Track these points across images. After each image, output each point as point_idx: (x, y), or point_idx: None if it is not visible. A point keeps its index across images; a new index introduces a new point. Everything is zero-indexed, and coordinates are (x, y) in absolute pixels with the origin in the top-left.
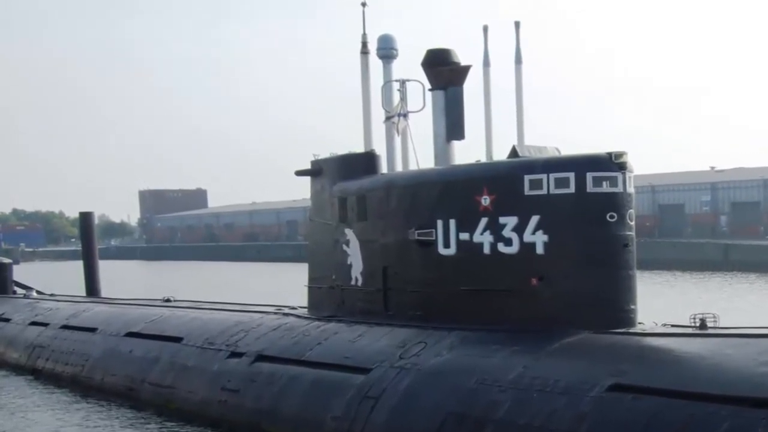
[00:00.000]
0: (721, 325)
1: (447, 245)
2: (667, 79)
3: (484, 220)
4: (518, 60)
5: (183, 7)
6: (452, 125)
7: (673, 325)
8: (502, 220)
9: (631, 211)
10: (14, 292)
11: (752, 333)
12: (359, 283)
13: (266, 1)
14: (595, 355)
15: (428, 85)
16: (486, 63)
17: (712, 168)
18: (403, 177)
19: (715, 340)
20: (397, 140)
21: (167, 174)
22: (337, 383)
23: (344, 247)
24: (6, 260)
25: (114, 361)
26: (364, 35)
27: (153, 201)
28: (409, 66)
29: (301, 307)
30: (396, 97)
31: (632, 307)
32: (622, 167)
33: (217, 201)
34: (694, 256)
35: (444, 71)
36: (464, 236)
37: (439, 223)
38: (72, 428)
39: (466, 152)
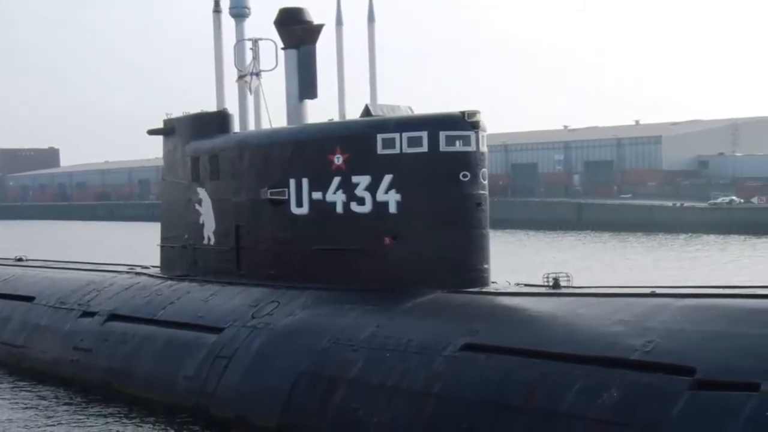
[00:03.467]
0: (574, 285)
1: (300, 204)
2: (522, 38)
3: (336, 180)
4: (371, 18)
5: None
6: (305, 84)
7: (526, 285)
8: (354, 179)
9: (484, 170)
10: None
11: (605, 292)
12: (212, 242)
13: None
14: (448, 315)
15: (281, 44)
16: (339, 22)
17: (565, 127)
18: (255, 136)
19: (568, 300)
20: (250, 99)
21: (19, 133)
22: (189, 343)
23: (197, 206)
24: None
25: None
26: None
27: (4, 160)
28: (262, 25)
29: (153, 267)
30: (249, 56)
31: (485, 266)
32: (475, 126)
33: (69, 160)
34: (547, 216)
35: (296, 30)
36: (317, 195)
37: (292, 182)
38: None
39: (320, 111)
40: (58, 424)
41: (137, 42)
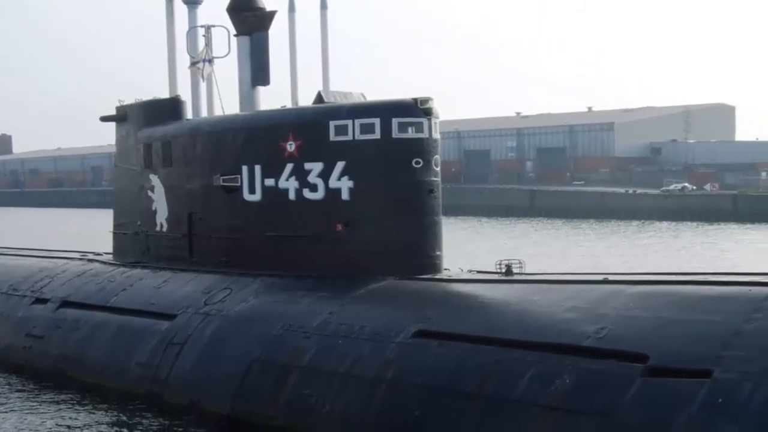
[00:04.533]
0: (527, 272)
1: (252, 191)
2: (476, 25)
3: (289, 166)
4: (324, 5)
5: None
6: (257, 71)
7: (479, 272)
8: (307, 165)
9: (437, 156)
10: None
11: (558, 279)
12: (164, 229)
13: None
14: (401, 302)
15: (234, 31)
16: (291, 8)
17: (518, 114)
18: (208, 123)
19: (520, 287)
20: (203, 86)
21: None
22: (142, 329)
23: (149, 193)
24: None
25: None
26: None
27: None
28: (215, 12)
29: (106, 254)
30: (201, 42)
31: (438, 253)
32: (427, 113)
33: (22, 147)
34: (500, 202)
35: (249, 17)
36: (269, 182)
37: (245, 169)
38: None
39: (272, 98)
40: (10, 411)
41: (90, 28)
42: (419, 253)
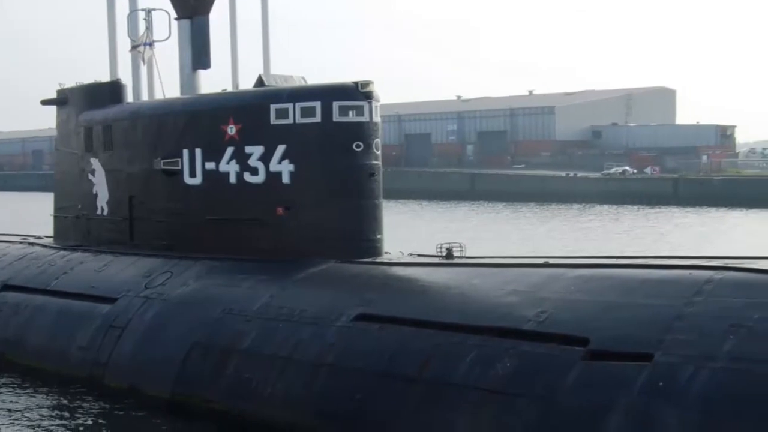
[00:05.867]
0: (467, 255)
1: (193, 175)
2: (416, 9)
3: (230, 150)
4: None
5: None
6: (198, 54)
7: (419, 255)
8: (248, 149)
9: (378, 140)
10: None
11: (499, 263)
12: (105, 212)
13: None
14: (341, 285)
15: (174, 15)
16: None
17: (459, 97)
18: (149, 106)
19: (461, 270)
20: (144, 70)
21: None
22: (83, 313)
23: (90, 176)
24: None
25: None
26: None
27: None
28: None
29: (47, 237)
30: (142, 26)
31: (378, 236)
32: (368, 96)
33: None
34: (440, 186)
35: (190, 0)
36: (210, 166)
37: (185, 152)
38: None
39: (213, 82)
40: None
41: (29, 11)
42: (360, 237)
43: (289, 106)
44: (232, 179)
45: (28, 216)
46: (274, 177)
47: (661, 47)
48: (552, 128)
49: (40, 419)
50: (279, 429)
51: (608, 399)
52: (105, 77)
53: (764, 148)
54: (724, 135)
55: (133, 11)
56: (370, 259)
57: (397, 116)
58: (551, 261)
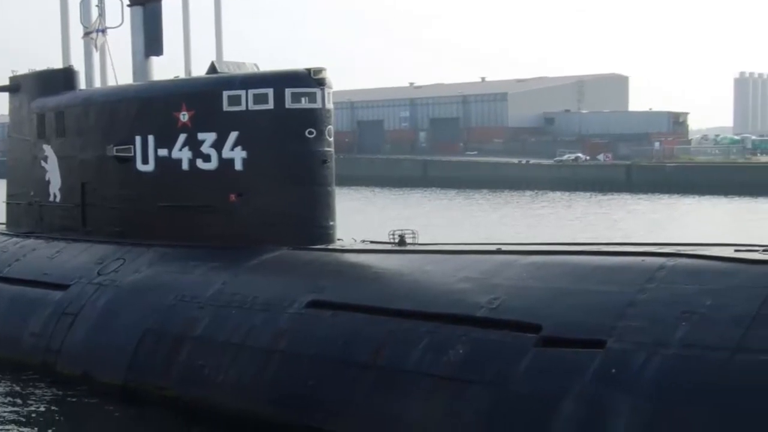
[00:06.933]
0: (420, 242)
1: (146, 161)
2: None
3: (182, 137)
4: None
5: None
6: (150, 41)
7: (372, 242)
8: (200, 136)
9: (330, 127)
10: None
11: (451, 249)
12: (58, 199)
13: None
14: (294, 272)
15: (127, 1)
16: None
17: (411, 84)
18: (101, 93)
19: (414, 257)
20: (96, 56)
21: None
22: (35, 300)
23: (43, 163)
24: None
25: None
26: None
27: None
28: None
29: None
30: (94, 12)
31: (331, 223)
32: (321, 83)
33: None
34: (393, 173)
35: None
36: (163, 152)
37: (138, 139)
38: None
39: (166, 69)
40: None
41: None
42: (312, 224)
43: (242, 93)
44: (185, 166)
45: None
46: (226, 164)
47: (614, 34)
48: (505, 115)
49: None
50: (232, 415)
51: (561, 386)
52: (58, 64)
53: (717, 135)
54: (677, 122)
55: None
56: (322, 246)
57: (350, 103)
58: (504, 248)
